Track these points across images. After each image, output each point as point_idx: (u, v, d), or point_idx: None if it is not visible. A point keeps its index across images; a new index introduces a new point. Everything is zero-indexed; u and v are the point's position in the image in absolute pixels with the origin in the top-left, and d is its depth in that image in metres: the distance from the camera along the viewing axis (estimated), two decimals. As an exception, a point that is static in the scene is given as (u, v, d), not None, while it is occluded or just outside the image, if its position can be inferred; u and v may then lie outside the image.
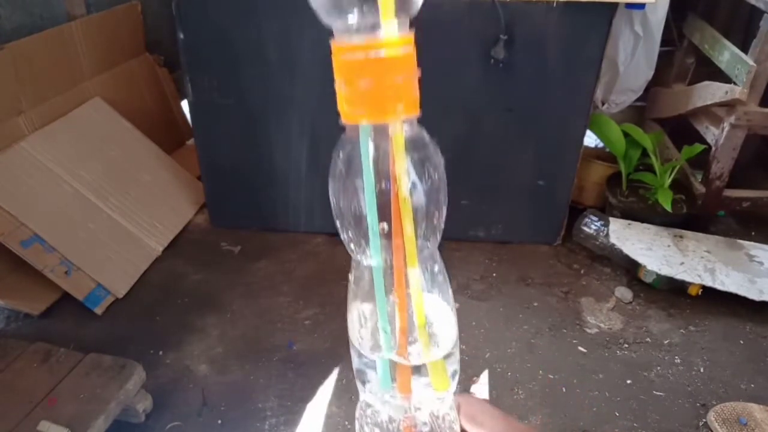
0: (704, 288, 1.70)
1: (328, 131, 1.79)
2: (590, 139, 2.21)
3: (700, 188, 2.02)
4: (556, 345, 1.62)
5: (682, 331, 1.67)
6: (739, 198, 2.02)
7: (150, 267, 1.88)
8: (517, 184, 1.92)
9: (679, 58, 2.26)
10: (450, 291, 0.38)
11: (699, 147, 1.97)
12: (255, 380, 1.50)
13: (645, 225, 1.90)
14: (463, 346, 1.60)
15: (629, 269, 1.85)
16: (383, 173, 0.32)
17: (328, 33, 0.31)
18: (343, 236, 0.35)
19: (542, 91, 1.74)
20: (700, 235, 1.91)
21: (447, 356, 0.38)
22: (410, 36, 0.31)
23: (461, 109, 1.78)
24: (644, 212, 1.94)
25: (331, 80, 0.33)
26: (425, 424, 0.39)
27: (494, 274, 1.89)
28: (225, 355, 1.58)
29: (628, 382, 1.50)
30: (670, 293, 1.78)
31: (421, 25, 0.36)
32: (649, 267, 1.74)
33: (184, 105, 2.49)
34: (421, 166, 0.33)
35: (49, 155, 1.75)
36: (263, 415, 1.41)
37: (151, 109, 2.33)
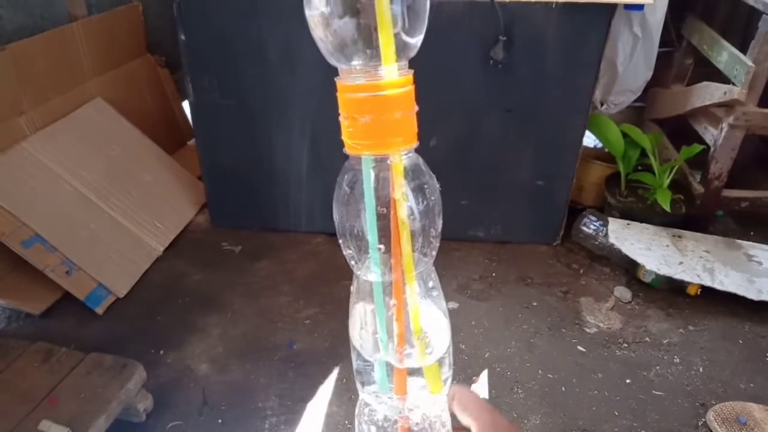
0: (703, 288, 1.71)
1: (328, 131, 1.80)
2: (589, 140, 2.21)
3: (699, 188, 2.02)
4: (556, 344, 1.62)
5: (681, 330, 1.67)
6: (737, 198, 2.03)
7: (151, 267, 1.89)
8: (516, 184, 1.92)
9: (678, 59, 2.27)
10: (443, 301, 0.41)
11: (698, 147, 1.97)
12: (255, 379, 1.51)
13: (644, 225, 1.91)
14: (463, 346, 1.60)
15: (628, 269, 1.86)
16: (383, 198, 0.35)
17: (333, 71, 0.33)
18: (346, 252, 0.38)
19: (541, 91, 1.74)
20: (699, 235, 1.91)
21: (440, 361, 0.41)
22: (409, 76, 0.33)
23: (461, 110, 1.79)
24: (643, 212, 1.94)
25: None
26: (417, 424, 0.42)
27: (494, 274, 1.89)
28: (226, 355, 1.58)
29: (628, 381, 1.51)
30: (669, 293, 1.78)
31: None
32: (648, 267, 1.75)
33: (185, 105, 2.49)
34: (418, 191, 0.35)
35: (50, 155, 1.76)
36: (264, 414, 1.41)
37: (152, 110, 2.34)
